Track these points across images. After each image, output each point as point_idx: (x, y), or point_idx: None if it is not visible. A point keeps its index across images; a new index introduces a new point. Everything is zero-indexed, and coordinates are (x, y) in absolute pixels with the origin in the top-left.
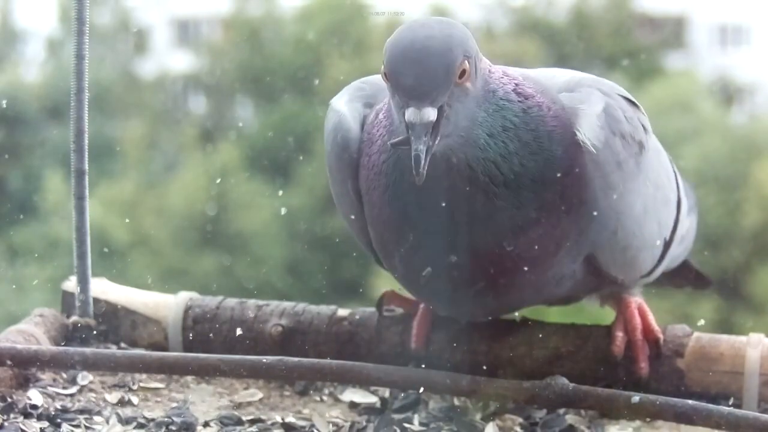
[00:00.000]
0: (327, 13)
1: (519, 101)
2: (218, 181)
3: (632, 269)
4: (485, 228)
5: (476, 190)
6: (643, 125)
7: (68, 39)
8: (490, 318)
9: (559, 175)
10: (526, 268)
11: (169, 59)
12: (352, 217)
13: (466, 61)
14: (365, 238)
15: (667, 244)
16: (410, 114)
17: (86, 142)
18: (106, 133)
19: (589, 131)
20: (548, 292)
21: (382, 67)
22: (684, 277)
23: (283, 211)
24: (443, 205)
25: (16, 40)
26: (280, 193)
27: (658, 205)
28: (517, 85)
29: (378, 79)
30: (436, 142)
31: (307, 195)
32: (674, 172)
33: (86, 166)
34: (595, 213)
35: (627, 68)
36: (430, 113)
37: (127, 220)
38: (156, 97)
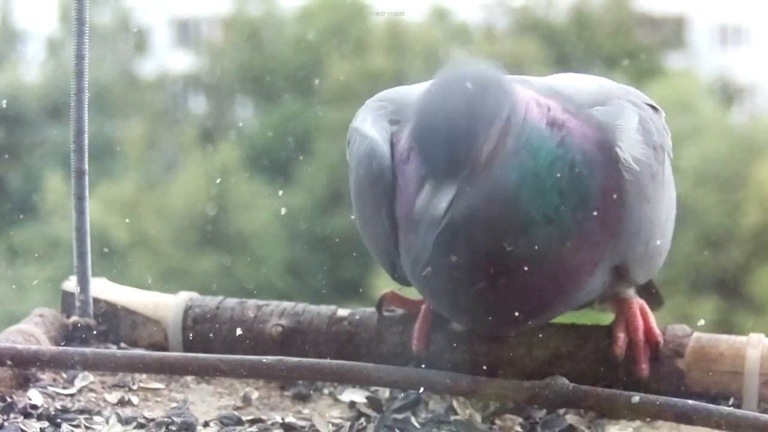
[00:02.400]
0: (327, 13)
1: (554, 136)
2: (218, 181)
3: (650, 272)
4: (528, 266)
5: (517, 233)
6: (665, 130)
7: (68, 39)
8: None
9: (597, 200)
10: (566, 293)
11: (169, 59)
12: (380, 239)
13: (491, 134)
14: (389, 258)
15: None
16: (424, 197)
17: (86, 142)
18: (106, 133)
19: (629, 148)
20: (580, 301)
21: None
22: (639, 293)
23: (283, 211)
24: (481, 247)
25: (16, 40)
26: (280, 193)
27: (672, 209)
28: (551, 117)
29: (395, 93)
30: (449, 213)
31: (307, 195)
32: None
33: (86, 166)
34: (631, 227)
35: (627, 68)
36: (444, 198)
37: (127, 220)
38: (156, 97)
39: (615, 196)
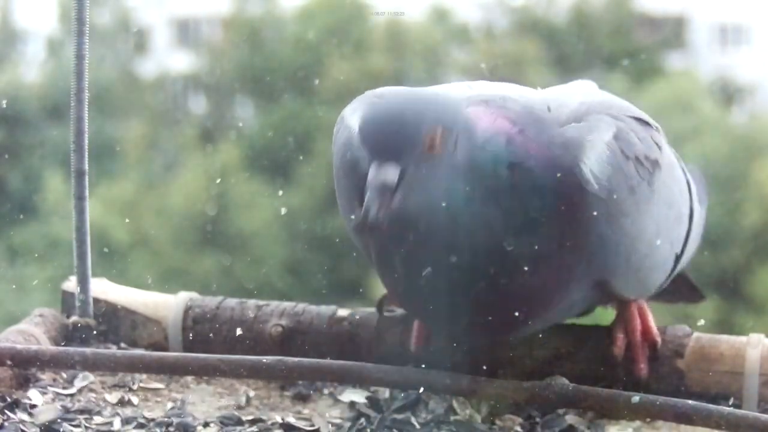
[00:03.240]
0: (327, 13)
1: (509, 155)
2: (218, 181)
3: (644, 288)
4: (488, 284)
5: (474, 247)
6: (657, 144)
7: (68, 39)
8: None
9: (556, 217)
10: (533, 306)
11: (169, 59)
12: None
13: (439, 130)
14: (367, 250)
15: (678, 258)
16: (372, 171)
17: (86, 142)
18: (106, 133)
19: (595, 163)
20: (561, 317)
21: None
22: (677, 291)
23: (283, 211)
24: (438, 257)
25: (16, 40)
26: (280, 193)
27: (670, 224)
28: (507, 138)
29: (392, 91)
30: (394, 201)
31: (307, 195)
32: (686, 179)
33: (86, 166)
34: (603, 243)
35: (627, 68)
36: (390, 172)
37: (127, 220)
38: (156, 97)
39: (575, 214)
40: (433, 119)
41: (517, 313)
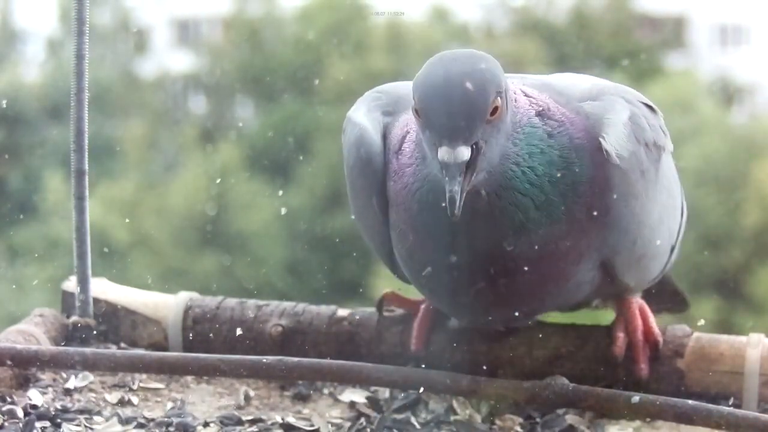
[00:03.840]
0: (327, 13)
1: (543, 125)
2: (218, 181)
3: (643, 276)
4: (515, 248)
5: (506, 217)
6: (663, 131)
7: (68, 39)
8: (513, 324)
9: (585, 187)
10: (552, 281)
11: (169, 59)
12: (374, 229)
13: (499, 98)
14: (385, 249)
15: (672, 250)
16: (444, 153)
17: (86, 142)
18: (106, 133)
19: (615, 141)
20: (569, 298)
21: (413, 102)
22: (663, 297)
23: (283, 211)
24: (474, 231)
25: (16, 40)
26: (280, 193)
27: (669, 213)
28: (539, 107)
29: (392, 87)
30: (471, 180)
31: (307, 195)
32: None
33: (86, 166)
34: (617, 221)
35: (627, 68)
36: (464, 153)
37: (127, 220)
38: (156, 97)
39: (601, 187)
40: (493, 88)
41: (539, 284)
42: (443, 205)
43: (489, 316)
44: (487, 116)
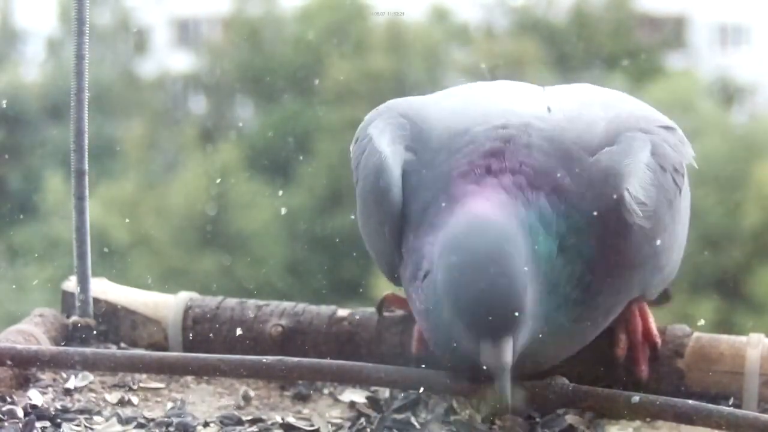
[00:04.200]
0: (327, 13)
1: (555, 227)
2: (218, 181)
3: (661, 288)
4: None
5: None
6: (684, 145)
7: (68, 39)
8: None
9: (610, 255)
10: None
11: (169, 59)
12: (379, 248)
13: (527, 285)
14: (386, 263)
15: None
16: (487, 355)
17: (86, 142)
18: (106, 133)
19: (639, 188)
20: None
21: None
22: None
23: (283, 211)
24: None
25: (16, 40)
26: (280, 193)
27: (687, 225)
28: (543, 204)
29: (419, 109)
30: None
31: (307, 195)
32: None
33: (86, 166)
34: (648, 262)
35: (627, 68)
36: (507, 353)
37: (127, 220)
38: (156, 97)
39: (623, 247)
40: (524, 288)
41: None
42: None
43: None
44: (524, 311)
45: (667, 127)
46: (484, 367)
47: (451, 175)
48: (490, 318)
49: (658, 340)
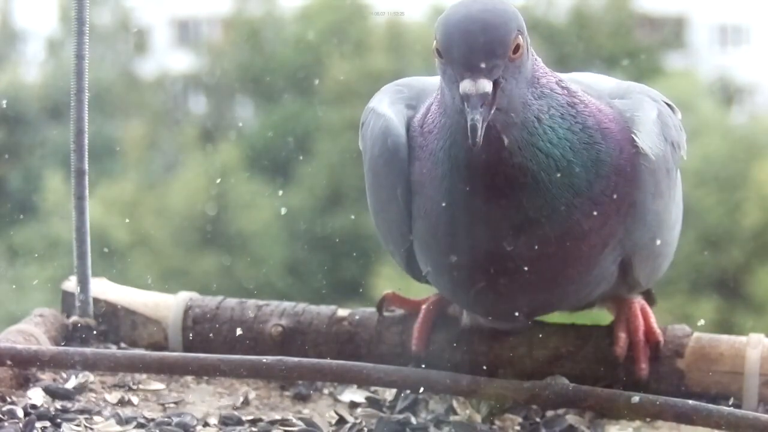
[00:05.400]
0: (327, 13)
1: (563, 94)
2: (218, 181)
3: (655, 275)
4: (539, 218)
5: (528, 177)
6: (683, 131)
7: (68, 39)
8: (528, 322)
9: (610, 170)
10: (576, 266)
11: (169, 59)
12: (395, 222)
13: (520, 36)
14: (404, 243)
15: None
16: (466, 85)
17: (86, 142)
18: (106, 133)
19: (647, 138)
20: (589, 292)
21: (434, 43)
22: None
23: (283, 211)
24: (499, 196)
25: (16, 40)
26: (280, 193)
27: (680, 214)
28: (560, 81)
29: (413, 81)
30: (491, 113)
31: (307, 195)
32: None
33: (86, 166)
34: (642, 215)
35: (627, 68)
36: (486, 84)
37: (127, 220)
38: (156, 97)
39: (629, 178)
40: (515, 25)
41: (563, 268)
42: (467, 142)
43: (511, 305)
44: (509, 52)
45: (671, 105)
46: (463, 101)
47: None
48: (472, 50)
49: (661, 339)
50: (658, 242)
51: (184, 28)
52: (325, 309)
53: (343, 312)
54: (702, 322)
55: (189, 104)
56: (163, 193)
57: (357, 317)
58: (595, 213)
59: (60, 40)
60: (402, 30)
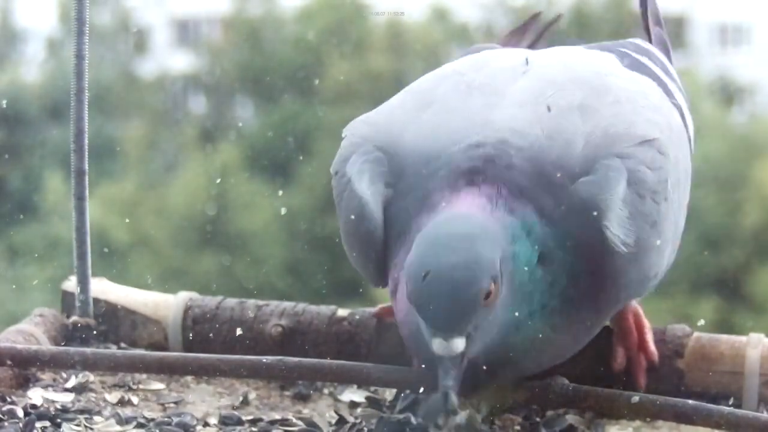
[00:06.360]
0: (327, 13)
1: (539, 237)
2: (218, 181)
3: (646, 292)
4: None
5: (509, 367)
6: (662, 153)
7: (68, 39)
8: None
9: (593, 281)
10: (567, 353)
11: (169, 59)
12: (369, 271)
13: (493, 283)
14: (374, 279)
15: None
16: (437, 345)
17: (86, 142)
18: (106, 133)
19: (616, 224)
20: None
21: (407, 287)
22: None
23: (283, 211)
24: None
25: (16, 40)
26: (280, 193)
27: (678, 231)
28: (529, 214)
29: (392, 139)
30: (463, 367)
31: (307, 195)
32: (688, 135)
33: (86, 166)
34: (629, 283)
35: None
36: (458, 344)
37: (127, 220)
38: (156, 97)
39: (606, 272)
40: (487, 275)
41: (555, 360)
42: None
43: (500, 380)
44: (479, 306)
45: (644, 142)
46: (436, 363)
47: (429, 193)
48: (442, 312)
49: (655, 358)
50: (653, 279)
51: (183, 28)
52: (325, 309)
53: (343, 312)
54: (702, 322)
55: (189, 104)
56: (163, 193)
57: (357, 317)
58: (579, 328)
59: (60, 40)
60: (402, 30)
